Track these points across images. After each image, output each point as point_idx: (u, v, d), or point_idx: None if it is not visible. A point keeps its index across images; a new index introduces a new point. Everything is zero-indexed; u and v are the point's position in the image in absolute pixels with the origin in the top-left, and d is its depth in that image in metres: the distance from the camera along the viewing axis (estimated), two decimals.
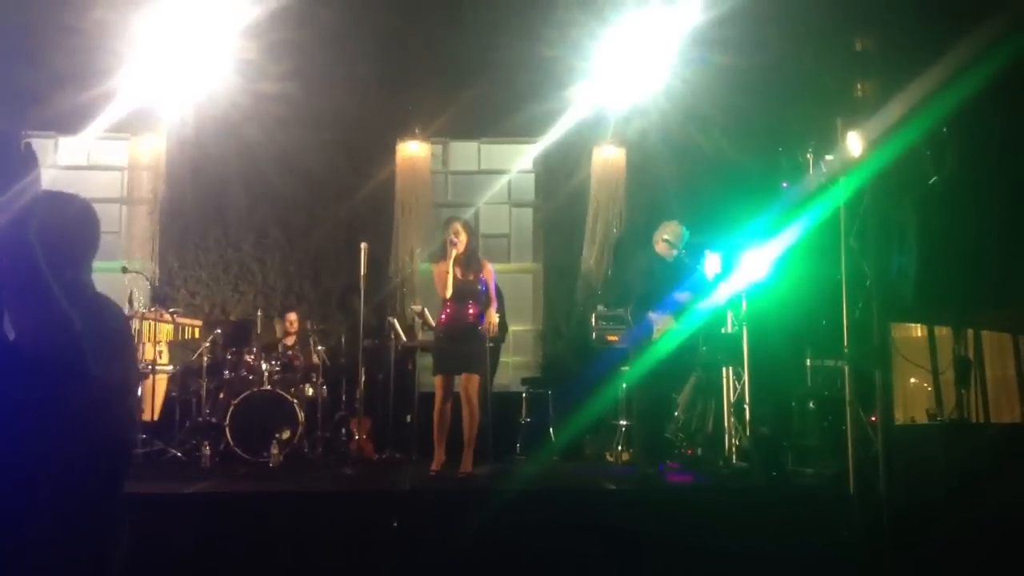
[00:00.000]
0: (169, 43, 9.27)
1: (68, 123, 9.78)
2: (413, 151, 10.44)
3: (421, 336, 9.27)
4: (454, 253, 7.24)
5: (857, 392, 6.00)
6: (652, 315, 7.30)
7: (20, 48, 9.28)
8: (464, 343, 7.28)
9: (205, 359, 8.63)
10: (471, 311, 7.32)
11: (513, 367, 10.08)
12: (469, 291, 7.32)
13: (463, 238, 7.27)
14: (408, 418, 8.82)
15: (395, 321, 9.05)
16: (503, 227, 10.82)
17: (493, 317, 7.44)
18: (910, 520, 5.56)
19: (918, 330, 6.89)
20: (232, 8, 8.93)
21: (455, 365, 7.27)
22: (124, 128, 9.93)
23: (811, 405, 7.33)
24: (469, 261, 7.33)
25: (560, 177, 10.55)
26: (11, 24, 8.97)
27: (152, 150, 10.28)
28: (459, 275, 7.27)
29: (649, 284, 7.42)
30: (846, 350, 6.12)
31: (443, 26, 9.66)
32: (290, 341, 9.18)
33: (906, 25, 7.11)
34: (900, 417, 6.48)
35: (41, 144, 10.45)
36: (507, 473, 7.61)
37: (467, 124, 10.39)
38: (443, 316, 7.38)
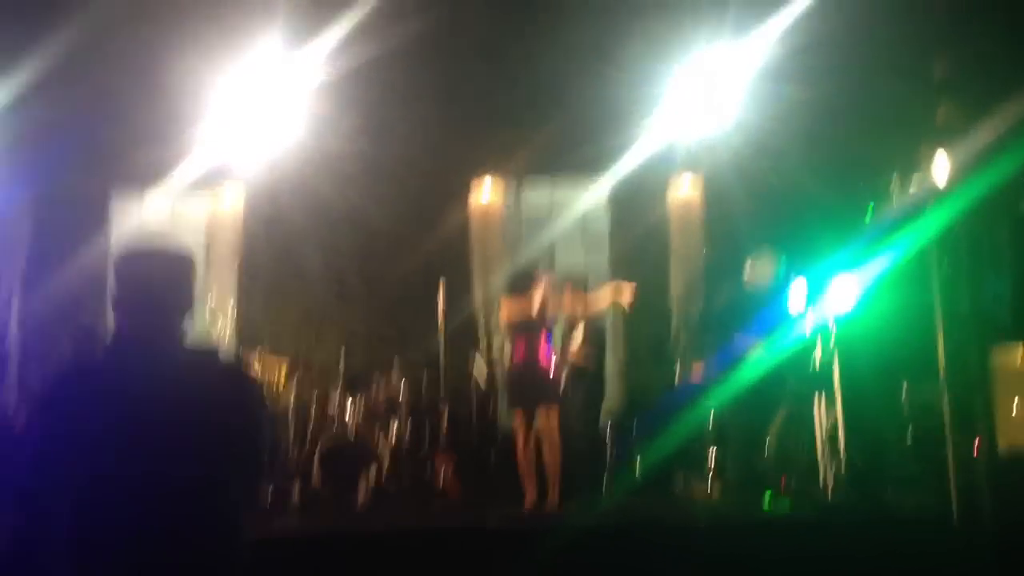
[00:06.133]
0: (246, 100, 9.49)
1: (151, 179, 10.04)
2: (486, 193, 10.52)
3: (501, 375, 9.27)
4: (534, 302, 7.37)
5: (957, 420, 5.86)
6: (744, 339, 7.24)
7: (106, 106, 9.53)
8: (533, 377, 7.36)
9: (291, 402, 8.71)
10: (541, 346, 7.35)
11: None
12: (536, 326, 7.40)
13: (543, 294, 7.41)
14: (491, 455, 8.81)
15: (476, 359, 9.08)
16: (578, 264, 10.79)
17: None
18: (1017, 551, 5.41)
19: (1019, 356, 6.73)
20: (306, 67, 9.13)
21: (529, 399, 7.31)
22: (205, 183, 10.15)
23: (909, 434, 7.17)
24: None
25: (634, 212, 10.53)
26: (97, 83, 9.23)
27: (232, 204, 10.47)
28: (531, 312, 7.32)
29: (736, 315, 7.37)
30: (943, 378, 5.99)
31: (511, 67, 9.74)
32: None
33: (986, 48, 7.03)
34: (1003, 445, 6.31)
35: (126, 200, 10.72)
36: (594, 508, 7.54)
37: (539, 163, 10.44)
38: (516, 352, 7.43)
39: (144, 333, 2.61)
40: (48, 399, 2.55)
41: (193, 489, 2.46)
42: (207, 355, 2.82)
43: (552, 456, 7.22)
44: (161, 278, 2.67)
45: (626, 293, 7.84)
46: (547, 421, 7.20)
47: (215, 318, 9.52)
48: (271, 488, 8.20)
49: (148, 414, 2.43)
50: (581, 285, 8.45)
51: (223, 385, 2.66)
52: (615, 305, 7.91)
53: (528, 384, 7.34)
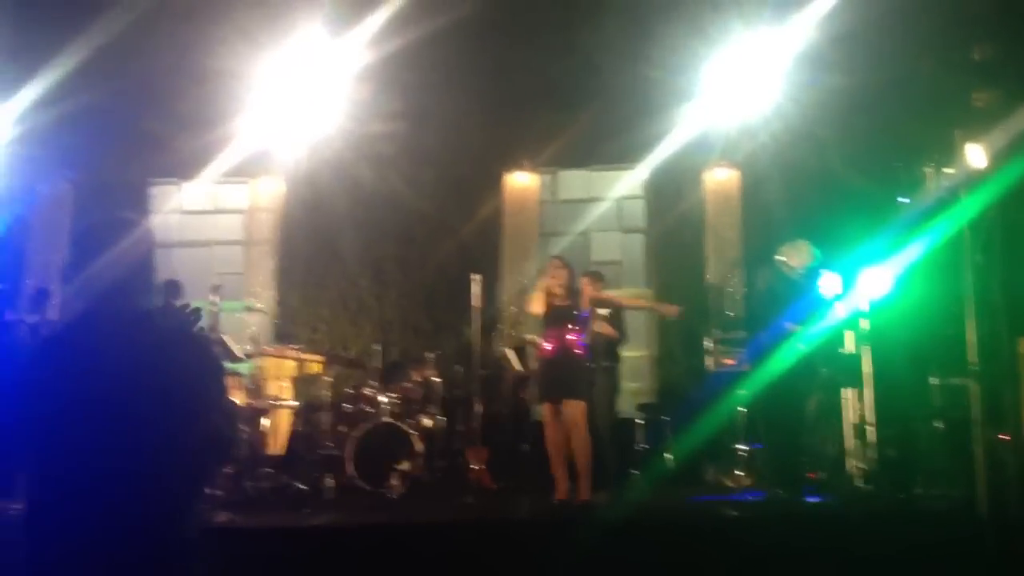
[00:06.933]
0: (285, 87, 9.58)
1: (191, 168, 10.17)
2: (521, 182, 10.58)
3: (534, 366, 9.29)
4: (547, 286, 7.44)
5: (986, 411, 5.79)
6: (779, 327, 7.23)
7: (145, 96, 9.67)
8: (562, 369, 7.34)
9: (327, 393, 8.81)
10: (569, 337, 7.38)
11: (629, 393, 9.98)
12: (565, 316, 7.40)
13: (559, 274, 7.42)
14: (525, 447, 8.86)
15: (508, 351, 9.12)
16: (614, 254, 10.81)
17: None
18: None
19: None
20: (344, 52, 9.19)
21: (557, 392, 7.34)
22: (244, 172, 10.30)
23: (938, 425, 7.10)
24: (566, 292, 7.44)
25: (670, 201, 10.51)
26: (139, 70, 9.37)
27: (271, 192, 10.61)
28: (555, 301, 7.37)
29: (773, 303, 7.35)
30: (973, 368, 5.92)
31: (548, 55, 9.72)
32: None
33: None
34: None
35: (165, 190, 10.90)
36: (626, 500, 7.56)
37: (575, 152, 10.46)
38: (546, 344, 7.48)
39: (102, 308, 2.67)
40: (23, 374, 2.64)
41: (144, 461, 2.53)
42: (163, 327, 2.87)
43: (580, 449, 7.24)
44: (120, 254, 2.70)
45: (671, 311, 7.91)
46: (573, 414, 7.23)
47: (252, 307, 9.69)
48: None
49: (102, 388, 2.51)
50: (599, 278, 8.46)
51: (176, 357, 2.69)
52: (654, 310, 7.94)
53: (555, 376, 7.35)
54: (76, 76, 8.86)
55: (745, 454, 8.31)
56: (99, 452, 2.47)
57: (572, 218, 10.85)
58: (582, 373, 7.39)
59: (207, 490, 7.04)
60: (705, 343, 9.16)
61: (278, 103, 9.69)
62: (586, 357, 7.47)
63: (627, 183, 10.69)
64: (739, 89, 9.63)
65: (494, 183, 10.56)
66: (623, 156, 10.37)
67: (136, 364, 2.57)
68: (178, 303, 8.13)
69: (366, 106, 9.76)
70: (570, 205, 10.95)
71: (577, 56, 9.56)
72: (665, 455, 8.81)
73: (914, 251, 7.00)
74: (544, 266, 7.70)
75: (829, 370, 7.65)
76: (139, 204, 10.43)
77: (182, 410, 2.59)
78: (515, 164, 10.56)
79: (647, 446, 8.96)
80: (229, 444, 3.02)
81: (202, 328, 7.56)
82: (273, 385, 8.59)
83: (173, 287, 8.49)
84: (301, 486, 8.25)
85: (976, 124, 6.44)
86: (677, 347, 10.20)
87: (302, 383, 9.19)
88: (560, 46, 9.61)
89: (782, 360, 7.11)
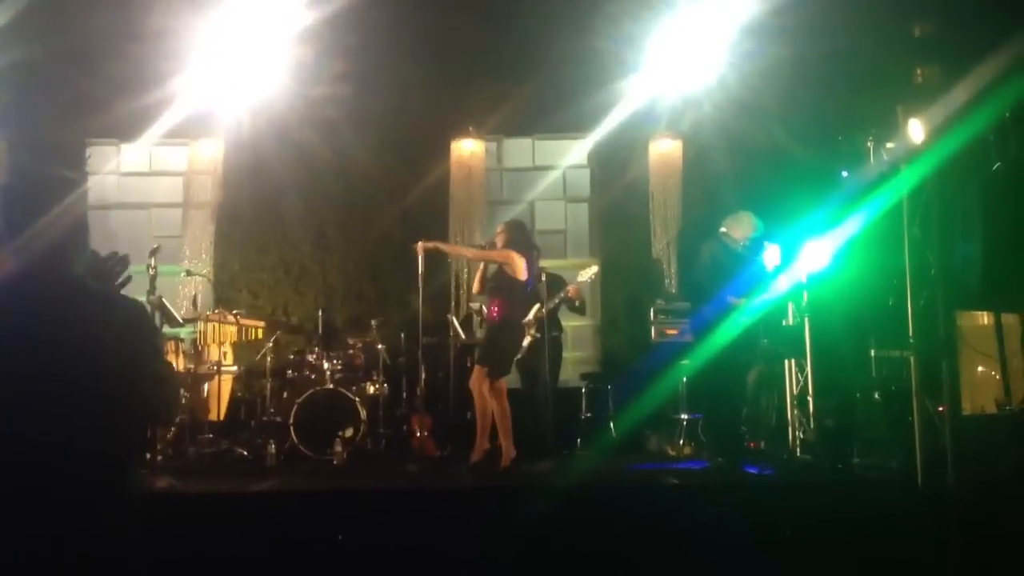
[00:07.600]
0: (226, 48, 9.37)
1: (129, 130, 9.92)
2: (467, 149, 10.48)
3: (480, 334, 9.30)
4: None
5: (924, 382, 5.91)
6: (722, 299, 7.30)
7: (82, 56, 9.41)
8: (496, 335, 7.61)
9: (269, 359, 8.74)
10: (494, 307, 7.59)
11: (572, 362, 10.06)
12: (493, 287, 7.67)
13: (498, 239, 7.70)
14: (468, 415, 8.86)
15: (454, 319, 9.11)
16: (559, 223, 10.82)
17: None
18: (979, 511, 5.48)
19: (985, 318, 6.78)
20: (287, 13, 9.02)
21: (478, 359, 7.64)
22: (183, 133, 10.07)
23: (876, 396, 7.24)
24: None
25: (615, 171, 10.51)
26: (72, 32, 9.12)
27: (211, 154, 10.42)
28: (488, 272, 7.70)
29: (717, 275, 7.41)
30: (911, 340, 6.04)
31: (494, 23, 9.63)
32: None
33: (965, 9, 7.00)
34: (968, 407, 6.37)
35: (103, 151, 10.66)
36: (567, 468, 7.62)
37: (521, 120, 10.37)
38: (492, 311, 7.68)
39: (31, 268, 2.58)
40: None
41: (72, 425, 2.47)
42: (95, 291, 2.75)
43: (477, 411, 7.53)
44: (56, 214, 2.61)
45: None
46: (477, 377, 7.47)
47: (192, 271, 9.54)
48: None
49: (33, 352, 2.45)
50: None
51: (109, 320, 2.61)
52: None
53: (481, 344, 7.57)
54: (12, 31, 8.59)
55: (687, 423, 8.42)
56: (31, 418, 2.41)
57: (517, 186, 10.83)
58: (487, 339, 7.57)
59: (146, 456, 7.02)
60: (649, 313, 9.24)
61: (219, 64, 9.47)
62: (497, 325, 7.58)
63: (572, 152, 10.67)
64: (684, 60, 9.63)
65: (440, 150, 10.46)
66: (568, 125, 10.30)
67: (69, 328, 2.51)
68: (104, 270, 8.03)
69: (309, 68, 9.58)
70: (515, 173, 10.93)
71: (522, 25, 9.48)
72: (608, 424, 8.89)
73: (855, 224, 7.10)
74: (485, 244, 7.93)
75: (770, 341, 7.76)
76: (76, 164, 10.18)
77: (115, 375, 2.53)
78: (461, 131, 10.47)
79: (590, 415, 9.04)
80: (166, 409, 2.92)
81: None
82: (214, 350, 8.51)
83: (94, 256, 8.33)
84: (243, 452, 8.20)
85: (917, 99, 6.51)
86: (621, 317, 10.25)
87: (243, 349, 9.11)
88: (505, 14, 9.53)
89: (725, 332, 7.19)
